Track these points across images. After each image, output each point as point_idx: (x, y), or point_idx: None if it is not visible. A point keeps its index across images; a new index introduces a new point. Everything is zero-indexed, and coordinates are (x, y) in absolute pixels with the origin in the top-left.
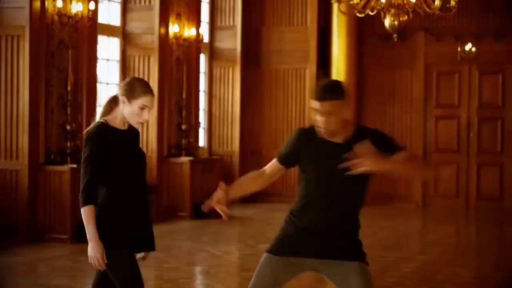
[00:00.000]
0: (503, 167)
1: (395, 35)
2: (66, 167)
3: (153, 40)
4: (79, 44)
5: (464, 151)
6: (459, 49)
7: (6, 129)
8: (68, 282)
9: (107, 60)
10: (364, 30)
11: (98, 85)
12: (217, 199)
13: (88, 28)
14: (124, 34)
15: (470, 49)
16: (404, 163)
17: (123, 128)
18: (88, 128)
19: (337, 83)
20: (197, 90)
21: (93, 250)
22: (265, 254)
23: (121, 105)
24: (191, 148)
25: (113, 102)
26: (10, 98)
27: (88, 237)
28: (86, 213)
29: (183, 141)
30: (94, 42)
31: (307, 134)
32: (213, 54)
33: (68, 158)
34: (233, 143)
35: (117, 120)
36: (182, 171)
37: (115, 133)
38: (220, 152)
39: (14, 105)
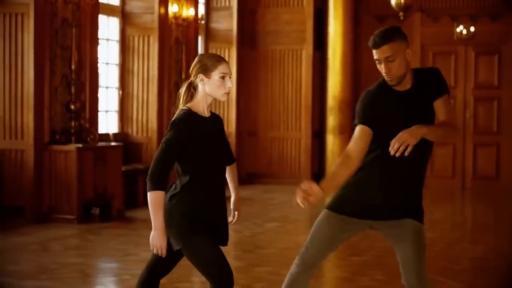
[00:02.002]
0: (499, 147)
1: (401, 13)
2: (72, 147)
3: (153, 19)
4: (81, 23)
5: (460, 131)
6: (455, 29)
7: (11, 108)
8: (83, 260)
9: (107, 40)
10: (360, 11)
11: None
12: (314, 197)
13: (91, 7)
14: (124, 14)
15: (468, 30)
16: (435, 130)
17: (206, 115)
18: (174, 115)
19: (391, 27)
20: None
21: (158, 239)
22: (324, 211)
23: (200, 87)
24: None
25: (190, 87)
26: (14, 76)
27: (153, 224)
28: (154, 199)
29: None
30: (96, 21)
31: (379, 90)
32: (209, 35)
33: (73, 138)
34: (230, 124)
35: (200, 105)
36: None
37: (201, 120)
38: None
39: (19, 84)
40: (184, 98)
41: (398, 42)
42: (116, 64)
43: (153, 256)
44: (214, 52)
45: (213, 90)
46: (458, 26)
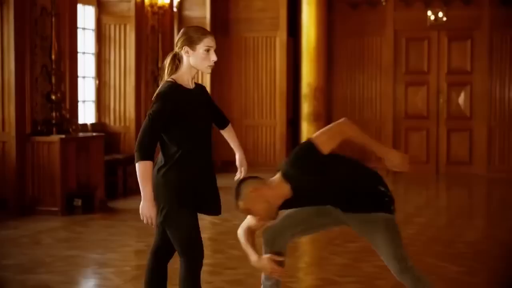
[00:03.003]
0: (472, 132)
1: (383, 0)
2: (55, 138)
3: (129, 8)
4: (60, 11)
5: (433, 117)
6: (428, 15)
7: None
8: (77, 252)
9: (83, 28)
10: None
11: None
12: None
13: None
14: (99, 2)
15: (440, 15)
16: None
17: (191, 87)
18: (159, 88)
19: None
20: None
21: (147, 209)
22: None
23: (185, 59)
24: None
25: (175, 59)
26: None
27: (142, 194)
28: (142, 169)
29: None
30: (75, 10)
31: None
32: (182, 22)
33: (54, 129)
34: None
35: (184, 77)
36: None
37: (185, 91)
38: None
39: None
40: (169, 70)
41: None
42: (92, 54)
43: (154, 240)
44: None
45: (198, 63)
46: (430, 11)
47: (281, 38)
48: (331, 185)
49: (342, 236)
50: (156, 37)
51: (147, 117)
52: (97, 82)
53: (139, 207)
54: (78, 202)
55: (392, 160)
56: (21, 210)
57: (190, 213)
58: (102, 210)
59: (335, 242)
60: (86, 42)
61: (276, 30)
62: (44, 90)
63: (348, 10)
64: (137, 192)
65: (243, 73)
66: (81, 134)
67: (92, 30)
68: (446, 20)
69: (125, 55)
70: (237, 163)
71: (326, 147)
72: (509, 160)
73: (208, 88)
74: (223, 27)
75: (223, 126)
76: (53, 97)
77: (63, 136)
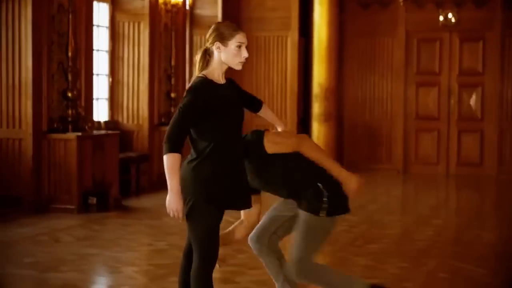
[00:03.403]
0: (483, 133)
1: (401, 0)
2: (72, 135)
3: (143, 5)
4: (76, 8)
5: (444, 118)
6: (440, 16)
7: (8, 96)
8: (98, 251)
9: (97, 26)
10: None
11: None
12: None
13: None
14: (113, 0)
15: (452, 16)
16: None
17: (221, 82)
18: (190, 82)
19: None
20: (184, 58)
21: (174, 202)
22: None
23: (216, 54)
24: None
25: (206, 55)
26: (11, 64)
27: (169, 187)
28: (171, 161)
29: (173, 109)
30: (91, 7)
31: None
32: (194, 21)
33: (70, 126)
34: None
35: (215, 72)
36: None
37: (216, 86)
38: None
39: (16, 71)
40: (200, 65)
41: None
42: (106, 51)
43: (186, 241)
44: (198, 39)
45: (229, 59)
46: (442, 12)
47: (292, 38)
48: (268, 173)
49: (362, 238)
50: (169, 35)
51: (177, 110)
52: (110, 79)
53: (153, 205)
54: (93, 200)
55: (348, 184)
56: (37, 208)
57: (216, 211)
58: (117, 208)
59: (356, 244)
60: (100, 39)
61: (287, 29)
62: (60, 88)
63: (360, 10)
64: (150, 190)
65: (254, 72)
66: (95, 132)
67: (106, 27)
68: (458, 21)
69: (139, 52)
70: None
71: (270, 148)
72: None
73: None
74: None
75: (258, 109)
76: (69, 95)
77: (79, 133)
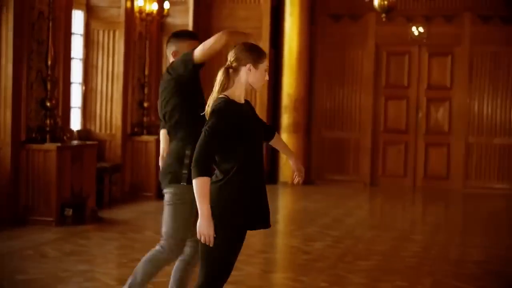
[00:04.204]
0: (450, 147)
1: (383, 15)
2: (52, 146)
3: (119, 13)
4: (56, 16)
5: (412, 131)
6: (410, 30)
7: None
8: (90, 267)
9: (72, 34)
10: (315, 9)
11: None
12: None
13: (65, 1)
14: (89, 7)
15: (422, 30)
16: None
17: (242, 102)
18: (211, 103)
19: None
20: (157, 67)
21: (206, 227)
22: None
23: (243, 75)
24: (152, 126)
25: (231, 74)
26: None
27: (199, 212)
28: (201, 185)
29: (145, 118)
30: (70, 15)
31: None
32: (165, 30)
33: (48, 136)
34: None
35: (236, 92)
36: (147, 150)
37: (239, 107)
38: None
39: None
40: (223, 84)
41: None
42: (80, 59)
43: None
44: None
45: (256, 80)
46: (412, 26)
47: (263, 48)
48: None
49: (351, 254)
50: (143, 44)
51: (203, 133)
52: (83, 88)
53: (130, 217)
54: (69, 212)
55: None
56: (14, 220)
57: (237, 236)
58: (94, 220)
59: (345, 260)
60: (74, 47)
61: (258, 40)
62: (39, 97)
63: (330, 22)
64: (122, 201)
65: None
66: (75, 142)
67: (81, 35)
68: (427, 36)
69: (113, 61)
70: (294, 166)
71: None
72: (485, 176)
73: None
74: (205, 35)
75: (270, 137)
76: (48, 104)
77: (59, 144)
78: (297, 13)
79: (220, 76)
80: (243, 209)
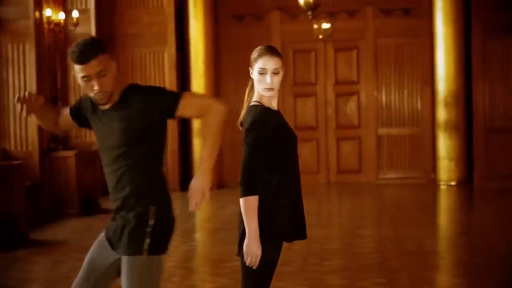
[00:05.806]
0: (361, 140)
1: (310, 13)
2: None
3: (28, 25)
4: None
5: (322, 127)
6: (314, 26)
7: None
8: None
9: None
10: (218, 11)
11: None
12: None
13: None
14: None
15: (324, 26)
16: (210, 158)
17: (276, 109)
18: (244, 113)
19: (93, 39)
20: (67, 79)
21: (253, 248)
22: None
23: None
24: (67, 140)
25: (251, 81)
26: None
27: (247, 231)
28: (248, 204)
29: None
30: None
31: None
32: (68, 39)
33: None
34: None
35: (263, 99)
36: (67, 165)
37: (275, 114)
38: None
39: None
40: (247, 93)
41: (106, 53)
42: None
43: None
44: None
45: (256, 85)
46: (317, 23)
47: (169, 53)
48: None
49: (314, 255)
50: (53, 55)
51: (246, 148)
52: None
53: (66, 238)
54: None
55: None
56: None
57: (276, 249)
58: (27, 244)
59: (311, 262)
60: None
61: (164, 45)
62: None
63: (234, 22)
64: (44, 221)
65: None
66: (4, 163)
67: None
68: (332, 32)
69: (25, 75)
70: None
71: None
72: (397, 166)
73: None
74: (109, 43)
75: None
76: None
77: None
78: (201, 16)
79: (248, 88)
80: (286, 223)
